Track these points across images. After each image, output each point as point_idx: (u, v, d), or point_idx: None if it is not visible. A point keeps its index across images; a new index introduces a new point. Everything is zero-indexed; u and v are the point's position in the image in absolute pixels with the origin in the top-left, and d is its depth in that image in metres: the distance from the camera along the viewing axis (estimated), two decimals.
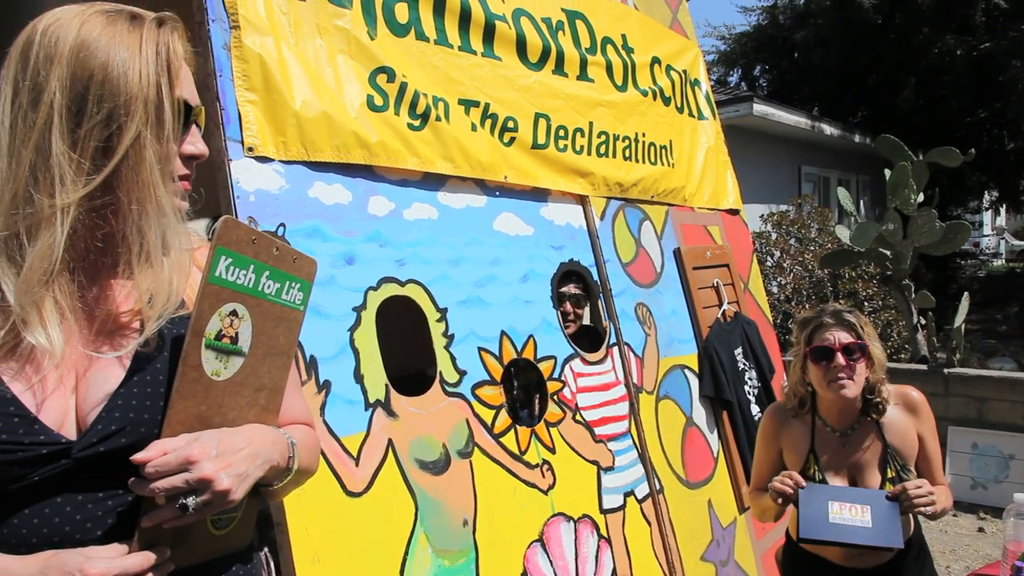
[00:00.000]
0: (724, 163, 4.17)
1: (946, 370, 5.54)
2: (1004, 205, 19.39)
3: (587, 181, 3.06)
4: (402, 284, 2.26)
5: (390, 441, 2.09)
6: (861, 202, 7.43)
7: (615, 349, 2.96)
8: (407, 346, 2.47)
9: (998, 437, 5.42)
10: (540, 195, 2.86)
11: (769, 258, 7.67)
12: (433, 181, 2.47)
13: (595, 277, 2.99)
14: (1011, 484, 5.30)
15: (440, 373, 2.29)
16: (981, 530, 4.96)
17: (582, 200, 3.05)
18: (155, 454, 0.94)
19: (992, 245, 25.46)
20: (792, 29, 14.72)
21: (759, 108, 8.43)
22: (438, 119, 2.50)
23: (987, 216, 24.72)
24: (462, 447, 2.27)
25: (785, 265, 7.57)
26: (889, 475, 2.19)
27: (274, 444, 1.08)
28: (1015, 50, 11.96)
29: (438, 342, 2.31)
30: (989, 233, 27.13)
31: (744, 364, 3.54)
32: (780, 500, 2.17)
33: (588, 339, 2.94)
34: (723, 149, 4.19)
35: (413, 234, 2.34)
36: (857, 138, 11.24)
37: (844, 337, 2.17)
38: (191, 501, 0.93)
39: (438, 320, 2.33)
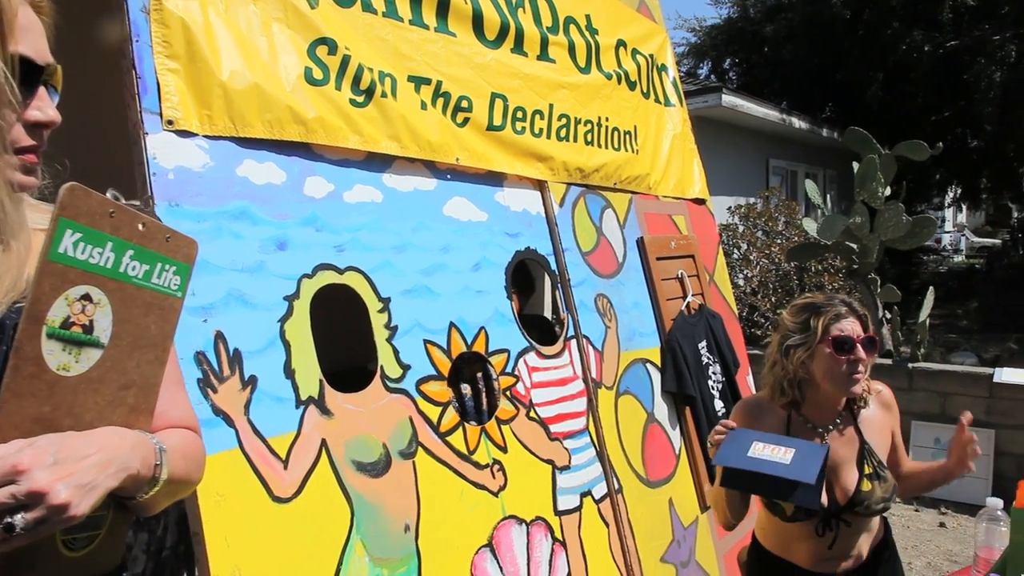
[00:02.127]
0: (691, 151, 4.05)
1: (910, 364, 5.50)
2: (966, 202, 19.64)
3: (546, 166, 2.92)
4: (340, 272, 2.09)
5: (324, 441, 1.92)
6: (828, 196, 7.38)
7: (573, 342, 2.82)
8: (348, 340, 2.31)
9: None
10: (495, 179, 2.70)
11: (736, 250, 7.60)
12: (377, 162, 2.30)
13: (553, 266, 2.84)
14: (971, 479, 5.28)
15: (381, 367, 2.13)
16: (942, 525, 4.93)
17: (540, 185, 2.90)
18: None
19: (953, 242, 25.87)
20: (762, 23, 14.70)
21: (728, 99, 8.34)
22: (384, 95, 2.34)
23: (949, 213, 25.08)
24: (404, 447, 2.11)
25: (752, 258, 7.49)
26: (867, 471, 2.09)
27: (133, 449, 0.91)
28: (980, 48, 12.04)
29: (379, 334, 2.15)
30: (951, 230, 27.56)
31: (708, 358, 3.43)
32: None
33: (539, 330, 2.79)
34: (690, 137, 4.07)
35: (354, 218, 2.18)
36: (825, 132, 11.23)
37: (859, 329, 2.07)
38: (19, 519, 0.76)
39: (380, 311, 2.16)
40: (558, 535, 2.54)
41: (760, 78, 15.02)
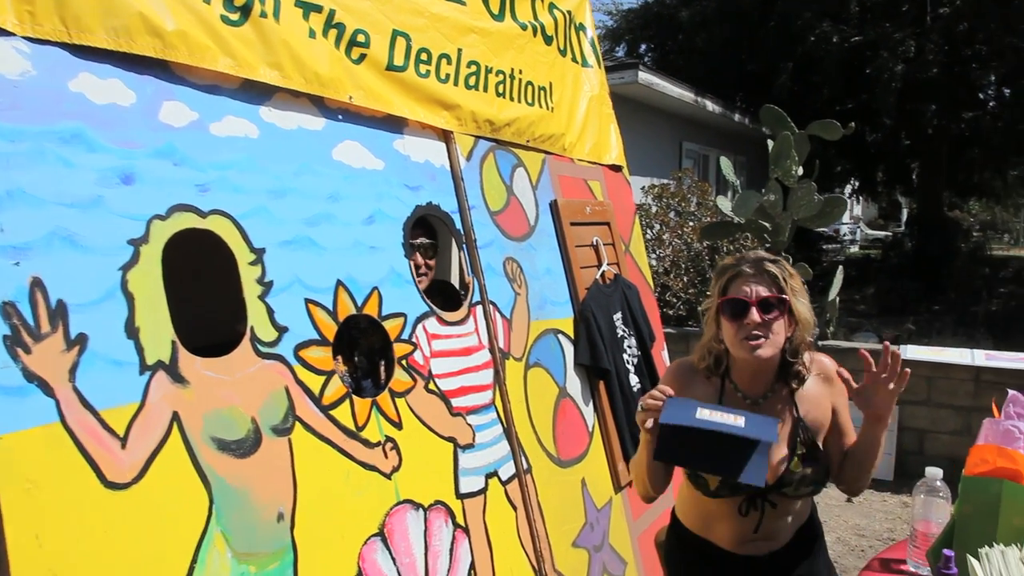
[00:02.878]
0: (608, 116, 3.84)
1: (819, 342, 5.50)
2: (863, 194, 20.45)
3: (452, 115, 2.63)
4: (203, 215, 1.76)
5: (175, 415, 1.60)
6: (738, 181, 7.38)
7: (479, 308, 2.56)
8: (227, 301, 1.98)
9: None
10: (394, 125, 2.41)
11: (649, 231, 7.51)
12: (254, 92, 1.97)
13: (458, 225, 2.57)
14: None
15: (251, 329, 1.81)
16: (849, 500, 4.94)
17: (445, 136, 2.62)
18: None
19: (850, 232, 27.07)
20: (678, 8, 14.78)
21: (644, 76, 8.23)
22: (264, 16, 2.00)
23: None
24: (278, 422, 1.81)
25: (664, 238, 7.43)
26: (799, 451, 1.91)
27: None
28: (883, 42, 12.41)
29: (250, 290, 1.83)
30: (848, 221, 28.87)
31: (623, 331, 3.23)
32: (650, 424, 1.81)
33: (442, 296, 2.52)
34: (607, 101, 3.85)
35: (223, 154, 1.84)
36: (737, 117, 11.33)
37: (763, 290, 1.85)
38: None
39: (252, 263, 1.84)
40: (460, 521, 2.28)
41: (674, 65, 15.14)
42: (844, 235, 24.44)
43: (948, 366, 5.15)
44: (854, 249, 24.12)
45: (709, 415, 1.75)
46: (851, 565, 3.93)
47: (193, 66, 1.82)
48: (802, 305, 1.90)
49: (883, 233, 27.77)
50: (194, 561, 1.57)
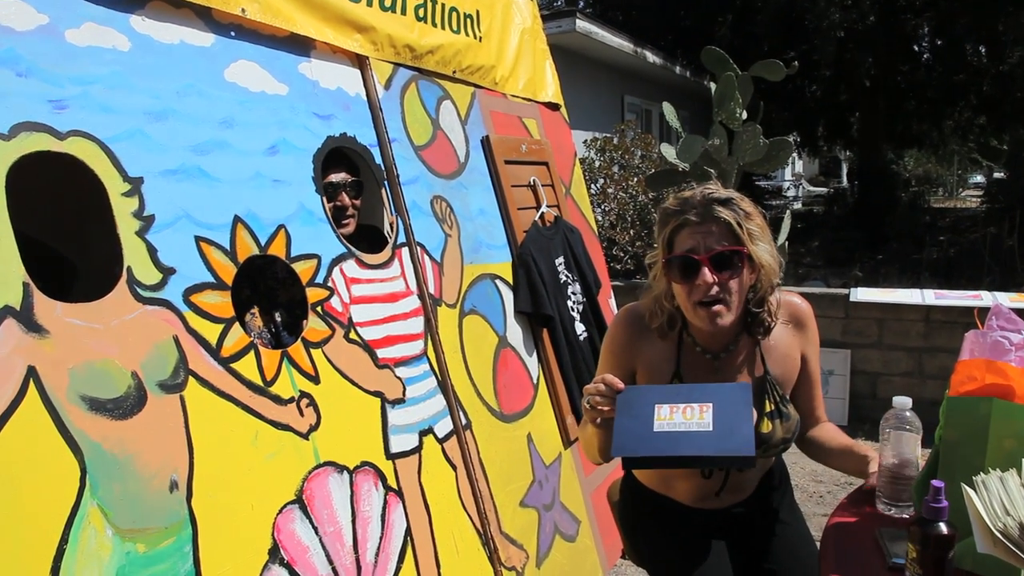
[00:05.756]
0: (543, 51, 3.60)
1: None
2: (805, 149, 20.61)
3: (366, 38, 2.37)
4: (61, 136, 1.49)
5: (31, 370, 1.34)
6: (681, 127, 7.22)
7: (404, 251, 2.32)
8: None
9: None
10: (299, 46, 2.14)
11: (593, 185, 7.32)
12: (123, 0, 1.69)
13: (378, 160, 2.32)
14: (829, 400, 5.27)
15: (129, 270, 1.55)
16: None
17: (360, 62, 2.35)
18: None
19: (793, 188, 27.35)
20: None
21: (582, 25, 7.97)
22: None
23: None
24: (167, 377, 1.56)
25: (609, 192, 7.24)
26: (767, 408, 1.69)
27: None
28: None
29: (126, 225, 1.56)
30: (789, 179, 29.17)
31: (566, 276, 3.03)
32: (599, 420, 1.60)
33: (367, 243, 2.27)
34: (541, 36, 3.62)
35: (84, 67, 1.57)
36: (678, 70, 11.17)
37: (714, 241, 1.58)
38: None
39: (126, 194, 1.58)
40: (392, 483, 2.07)
41: (612, 19, 14.90)
42: (787, 190, 24.70)
43: (899, 307, 5.09)
44: (797, 206, 24.38)
45: (668, 417, 1.51)
46: (811, 512, 3.84)
47: None
48: (763, 250, 1.63)
49: (824, 189, 28.12)
50: (64, 541, 1.33)
